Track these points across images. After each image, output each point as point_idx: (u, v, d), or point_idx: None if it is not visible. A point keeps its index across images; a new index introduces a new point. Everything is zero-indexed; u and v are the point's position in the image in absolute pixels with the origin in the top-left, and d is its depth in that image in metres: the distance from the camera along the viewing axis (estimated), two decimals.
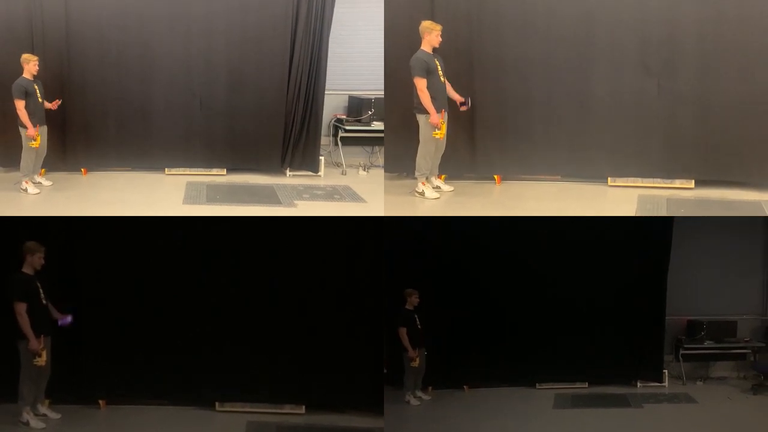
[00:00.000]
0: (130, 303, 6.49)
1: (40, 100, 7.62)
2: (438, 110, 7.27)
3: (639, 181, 7.93)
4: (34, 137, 7.50)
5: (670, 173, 7.87)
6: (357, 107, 9.36)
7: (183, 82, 8.54)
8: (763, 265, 8.56)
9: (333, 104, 9.54)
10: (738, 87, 7.54)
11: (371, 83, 9.36)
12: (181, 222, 6.79)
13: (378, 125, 9.10)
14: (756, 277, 8.54)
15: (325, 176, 8.93)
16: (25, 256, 5.85)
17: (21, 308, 5.71)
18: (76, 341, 6.30)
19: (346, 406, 6.49)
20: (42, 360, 5.78)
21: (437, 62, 7.34)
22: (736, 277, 8.43)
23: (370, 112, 9.20)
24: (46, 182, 7.92)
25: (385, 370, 7.67)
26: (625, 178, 7.96)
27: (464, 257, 7.75)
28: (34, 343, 5.72)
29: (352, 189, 8.30)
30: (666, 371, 7.91)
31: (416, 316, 7.31)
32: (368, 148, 9.65)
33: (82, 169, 8.35)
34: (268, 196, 7.93)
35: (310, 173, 8.90)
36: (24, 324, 5.71)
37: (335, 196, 7.99)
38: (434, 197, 7.50)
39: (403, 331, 7.20)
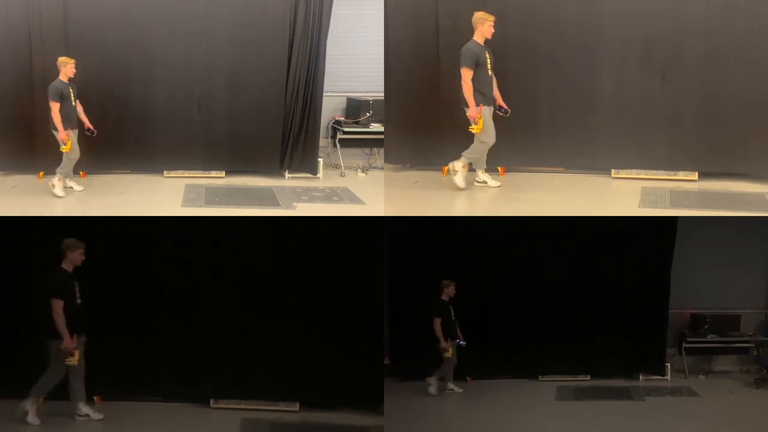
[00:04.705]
0: (127, 301, 6.50)
1: (73, 103, 7.62)
2: (481, 104, 7.17)
3: (642, 173, 7.94)
4: (65, 141, 7.48)
5: (673, 165, 7.86)
6: (355, 109, 9.35)
7: (182, 85, 8.54)
8: (767, 258, 8.50)
9: (331, 106, 9.51)
10: (743, 80, 7.56)
11: (369, 85, 9.36)
12: (179, 222, 6.82)
13: (376, 127, 9.10)
14: (760, 270, 8.51)
15: (324, 178, 8.90)
16: (65, 253, 5.82)
17: (57, 306, 5.65)
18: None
19: (342, 404, 6.48)
20: (74, 359, 5.72)
21: (487, 55, 7.24)
22: (740, 270, 8.40)
23: (368, 114, 9.19)
24: (78, 187, 7.90)
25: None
26: (628, 170, 7.96)
27: (468, 252, 7.77)
28: (68, 342, 5.66)
29: (351, 191, 8.27)
30: (669, 365, 7.90)
31: (451, 307, 7.34)
32: (367, 150, 9.65)
33: (81, 172, 8.37)
34: (267, 198, 7.91)
35: (308, 175, 8.89)
36: (59, 322, 5.64)
37: (334, 198, 7.97)
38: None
39: (437, 322, 7.24)
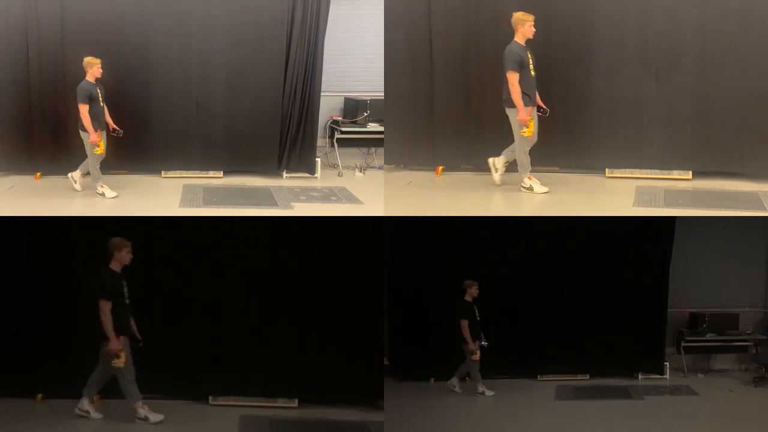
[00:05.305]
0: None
1: (101, 104, 7.56)
2: (527, 105, 7.06)
3: (637, 173, 7.92)
4: (98, 143, 7.42)
5: (668, 164, 7.86)
6: (353, 109, 9.36)
7: (180, 85, 8.53)
8: (766, 257, 8.57)
9: (329, 106, 9.51)
10: (737, 79, 7.56)
11: (367, 85, 9.39)
12: (177, 222, 6.81)
13: (374, 126, 9.12)
14: (758, 269, 8.54)
15: (322, 178, 8.90)
16: (112, 253, 5.76)
17: (105, 307, 5.59)
18: (70, 337, 6.30)
19: (341, 401, 6.47)
20: (120, 362, 5.65)
21: (530, 55, 7.11)
22: (738, 269, 8.44)
23: (365, 114, 9.20)
24: (76, 186, 7.82)
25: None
26: (623, 169, 7.95)
27: (468, 252, 7.76)
28: (115, 344, 5.61)
29: (349, 190, 8.28)
30: (667, 363, 7.92)
31: (476, 307, 7.30)
32: (364, 150, 9.66)
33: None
34: (265, 198, 7.90)
35: (306, 175, 8.88)
36: (106, 323, 5.59)
37: (332, 198, 7.97)
38: (543, 191, 7.27)
39: (464, 324, 7.19)
